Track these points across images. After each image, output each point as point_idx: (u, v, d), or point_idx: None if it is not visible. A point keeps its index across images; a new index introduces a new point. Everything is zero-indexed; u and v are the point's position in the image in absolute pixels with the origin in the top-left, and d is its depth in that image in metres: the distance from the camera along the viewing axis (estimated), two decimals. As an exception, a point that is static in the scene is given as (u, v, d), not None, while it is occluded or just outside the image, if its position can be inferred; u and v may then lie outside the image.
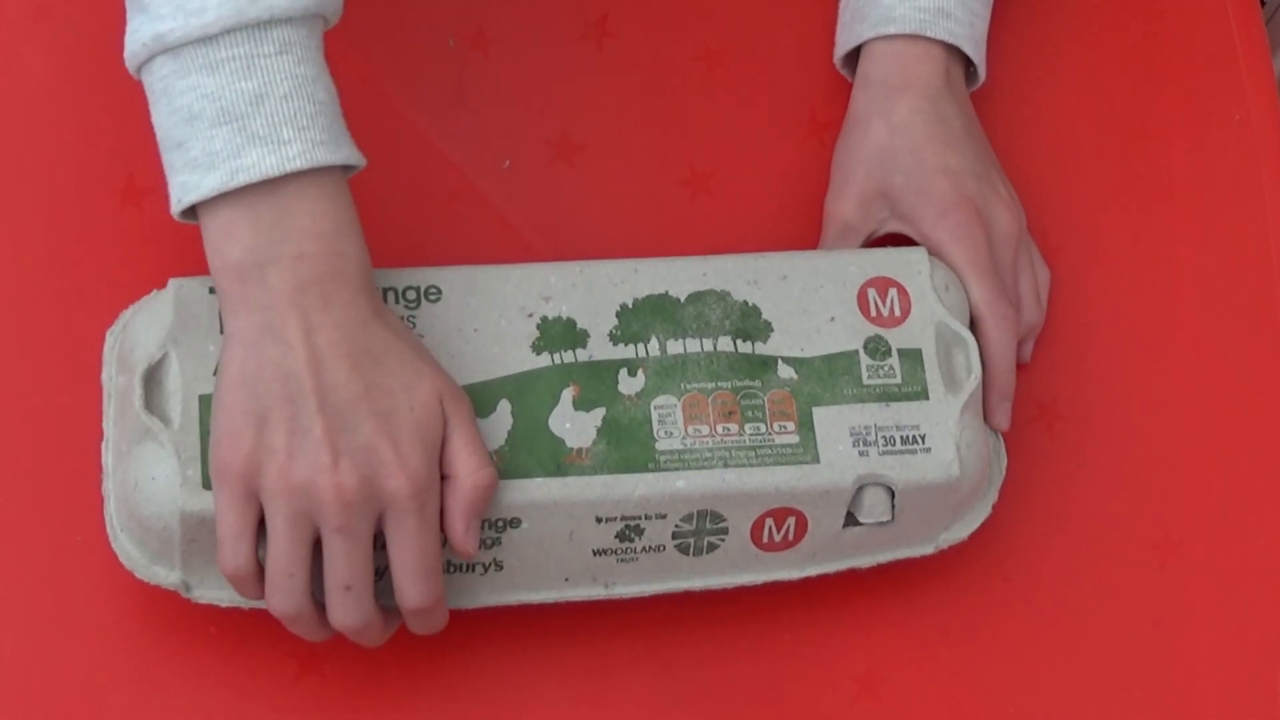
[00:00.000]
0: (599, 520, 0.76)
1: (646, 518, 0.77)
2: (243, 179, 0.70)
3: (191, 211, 0.72)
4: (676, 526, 0.77)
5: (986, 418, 0.83)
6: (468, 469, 0.73)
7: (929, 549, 0.82)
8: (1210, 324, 0.92)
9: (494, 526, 0.76)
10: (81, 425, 0.81)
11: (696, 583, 0.80)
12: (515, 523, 0.76)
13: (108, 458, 0.78)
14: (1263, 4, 1.02)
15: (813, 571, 0.81)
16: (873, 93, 0.87)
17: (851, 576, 0.83)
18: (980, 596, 0.86)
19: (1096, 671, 0.86)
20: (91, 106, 0.87)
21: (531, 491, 0.75)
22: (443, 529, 0.73)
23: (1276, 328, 0.93)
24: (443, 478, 0.73)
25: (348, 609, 0.73)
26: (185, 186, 0.71)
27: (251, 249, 0.71)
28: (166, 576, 0.77)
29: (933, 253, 0.83)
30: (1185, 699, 0.86)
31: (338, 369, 0.71)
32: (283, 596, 0.72)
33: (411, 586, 0.73)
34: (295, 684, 0.80)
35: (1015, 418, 0.84)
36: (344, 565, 0.72)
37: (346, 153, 0.73)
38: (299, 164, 0.70)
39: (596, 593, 0.79)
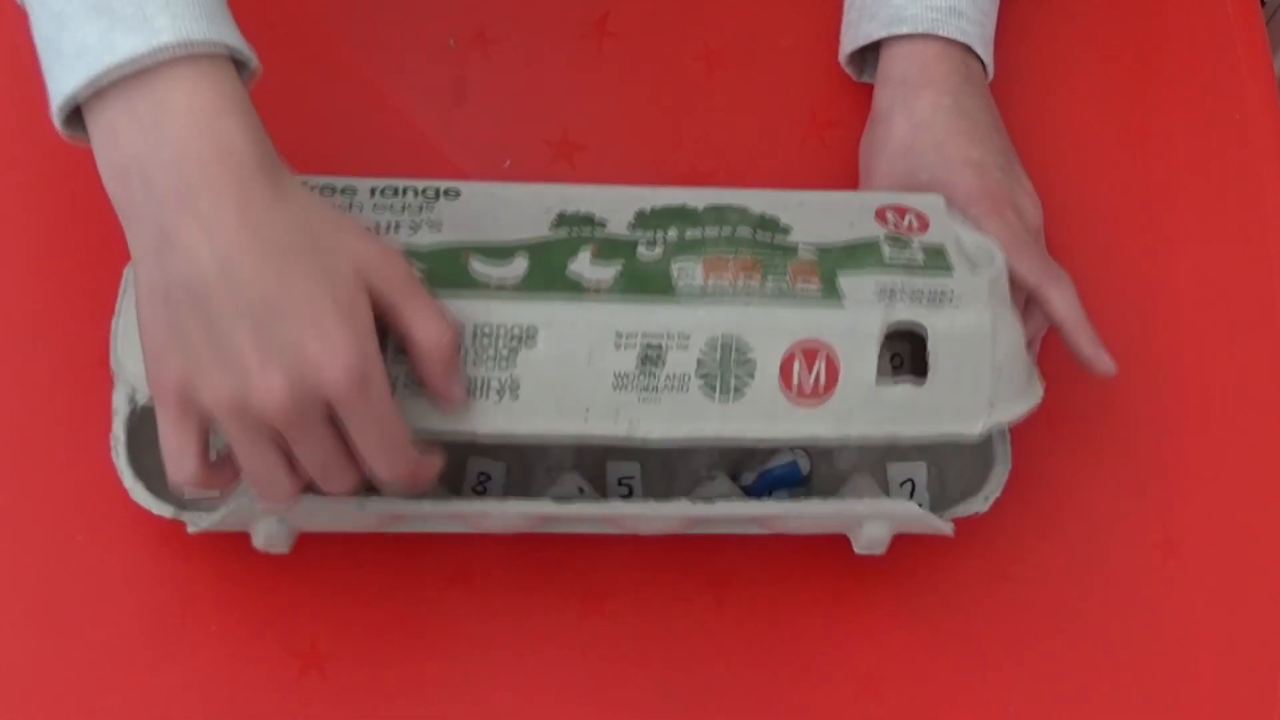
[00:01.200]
0: (619, 340, 0.75)
1: (669, 338, 0.75)
2: (109, 61, 0.66)
3: (79, 126, 0.69)
4: (700, 355, 0.75)
5: (1090, 366, 0.82)
6: (424, 334, 0.70)
7: (975, 428, 0.78)
8: (1210, 323, 0.92)
9: (508, 341, 0.74)
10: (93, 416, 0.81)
11: (726, 430, 0.76)
12: (530, 338, 0.74)
13: (117, 343, 0.77)
14: (1263, 4, 1.02)
15: (851, 433, 0.77)
16: (894, 90, 0.87)
17: (852, 575, 0.83)
18: (981, 596, 0.86)
19: (1096, 671, 0.86)
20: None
21: (548, 306, 0.74)
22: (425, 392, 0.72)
23: (1276, 328, 0.93)
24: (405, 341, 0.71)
25: (335, 481, 0.71)
26: (59, 87, 0.68)
27: (134, 153, 0.66)
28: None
29: None
30: (1185, 699, 0.86)
31: (244, 268, 0.66)
32: (272, 492, 0.70)
33: (382, 467, 0.70)
34: (295, 683, 0.80)
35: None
36: (312, 455, 0.69)
37: (226, 34, 0.67)
38: (166, 38, 0.66)
39: (620, 430, 0.76)
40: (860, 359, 0.76)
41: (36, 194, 0.86)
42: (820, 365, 0.76)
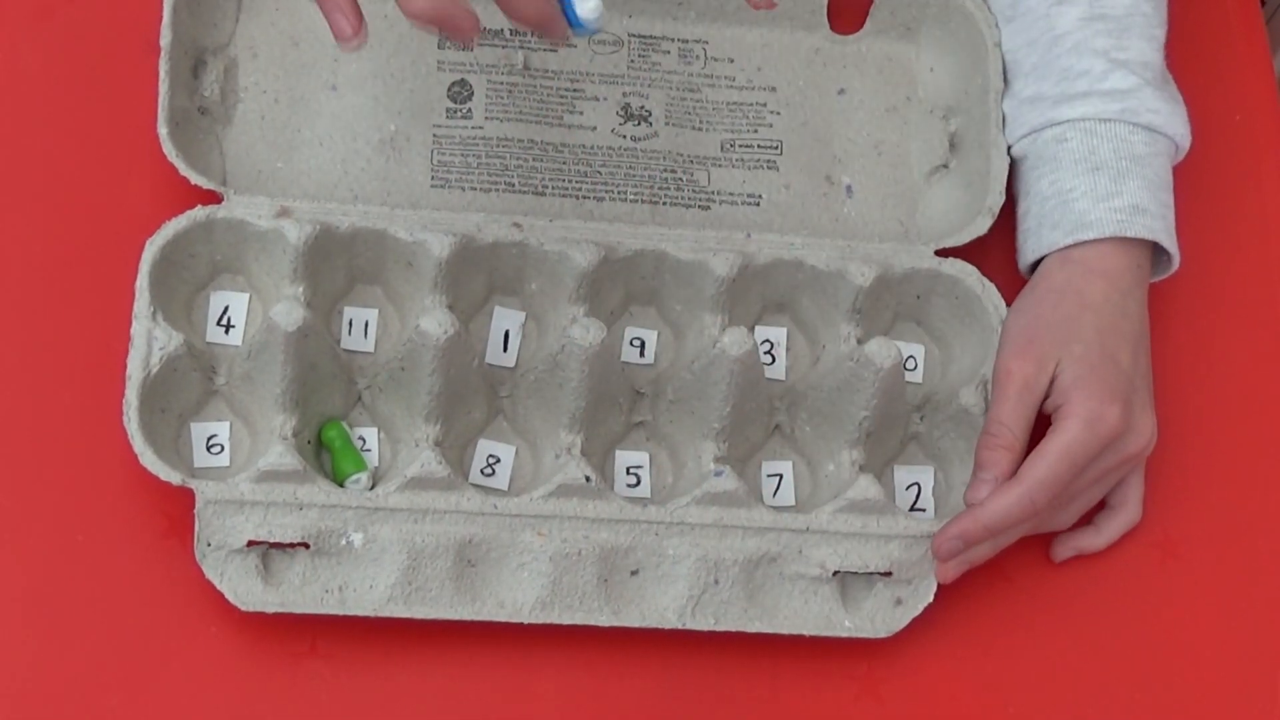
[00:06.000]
0: None
1: None
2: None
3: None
4: None
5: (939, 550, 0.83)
6: None
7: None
8: (1210, 323, 0.92)
9: None
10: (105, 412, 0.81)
11: None
12: None
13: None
14: (1263, 4, 1.02)
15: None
16: (1072, 270, 0.87)
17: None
18: (980, 597, 0.86)
19: (1096, 672, 0.86)
20: (90, 107, 0.87)
21: None
22: None
23: (1276, 328, 0.93)
24: None
25: None
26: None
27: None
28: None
29: (1053, 411, 0.83)
30: (1185, 699, 0.86)
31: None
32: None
33: None
34: (295, 681, 0.80)
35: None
36: None
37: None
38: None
39: None
40: None
41: (46, 175, 0.86)
42: None
